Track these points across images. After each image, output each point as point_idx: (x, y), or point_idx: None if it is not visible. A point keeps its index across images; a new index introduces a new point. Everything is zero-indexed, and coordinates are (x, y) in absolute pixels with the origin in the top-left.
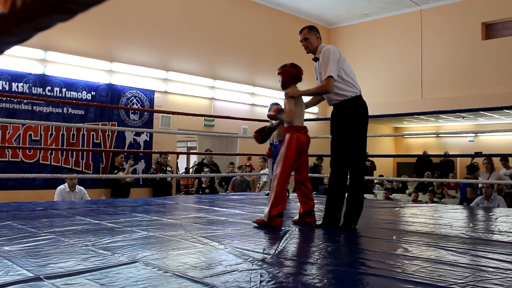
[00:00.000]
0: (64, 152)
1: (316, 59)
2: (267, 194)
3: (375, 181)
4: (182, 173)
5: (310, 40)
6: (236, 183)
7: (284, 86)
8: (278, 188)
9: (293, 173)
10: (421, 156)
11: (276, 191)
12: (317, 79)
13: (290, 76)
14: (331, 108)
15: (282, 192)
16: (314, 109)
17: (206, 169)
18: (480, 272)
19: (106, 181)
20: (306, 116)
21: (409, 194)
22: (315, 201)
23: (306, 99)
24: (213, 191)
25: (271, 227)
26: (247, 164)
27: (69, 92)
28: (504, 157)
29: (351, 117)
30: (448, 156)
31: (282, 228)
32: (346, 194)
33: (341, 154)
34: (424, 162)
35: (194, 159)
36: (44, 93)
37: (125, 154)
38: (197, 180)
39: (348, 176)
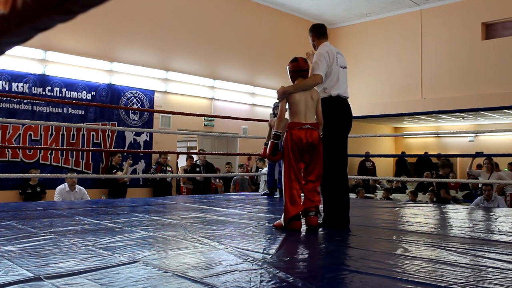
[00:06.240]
0: (64, 152)
1: None
2: (264, 194)
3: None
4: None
5: (310, 42)
6: (238, 182)
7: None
8: (285, 188)
9: None
10: (421, 156)
11: (285, 192)
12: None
13: (291, 72)
14: None
15: (292, 192)
16: None
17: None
18: (480, 272)
19: (104, 181)
20: None
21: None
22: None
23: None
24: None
25: (290, 230)
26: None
27: (69, 92)
28: (488, 159)
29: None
30: (445, 156)
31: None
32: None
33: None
34: (425, 162)
35: (194, 159)
36: (44, 93)
37: (125, 154)
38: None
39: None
